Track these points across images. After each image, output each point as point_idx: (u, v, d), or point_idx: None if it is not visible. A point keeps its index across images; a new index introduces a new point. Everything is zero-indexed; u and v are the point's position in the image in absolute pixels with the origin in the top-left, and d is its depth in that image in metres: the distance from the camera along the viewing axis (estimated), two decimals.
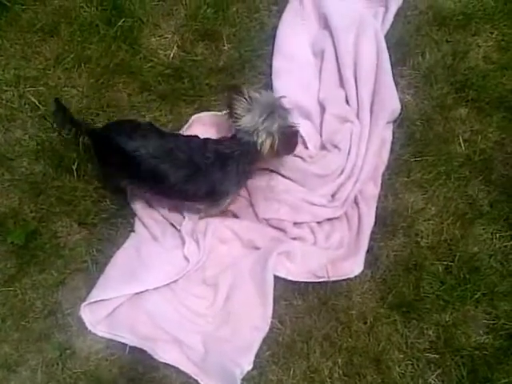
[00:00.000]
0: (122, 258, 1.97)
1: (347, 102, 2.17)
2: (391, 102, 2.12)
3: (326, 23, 2.24)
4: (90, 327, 1.90)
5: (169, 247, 1.99)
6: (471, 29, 2.29)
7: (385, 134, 2.12)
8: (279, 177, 2.09)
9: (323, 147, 2.13)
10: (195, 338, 1.90)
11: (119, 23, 2.25)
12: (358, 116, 2.13)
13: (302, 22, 2.27)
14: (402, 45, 2.25)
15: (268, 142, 1.84)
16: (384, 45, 2.17)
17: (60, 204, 2.06)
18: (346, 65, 2.16)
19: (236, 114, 1.86)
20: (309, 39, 2.27)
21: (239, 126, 1.85)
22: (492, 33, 2.29)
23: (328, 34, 2.22)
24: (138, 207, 2.04)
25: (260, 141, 1.83)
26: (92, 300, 1.88)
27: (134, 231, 2.04)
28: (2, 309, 1.96)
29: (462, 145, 2.15)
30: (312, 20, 2.29)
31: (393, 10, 2.24)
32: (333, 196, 2.07)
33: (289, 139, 1.90)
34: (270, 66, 2.22)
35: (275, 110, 1.85)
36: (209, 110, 2.18)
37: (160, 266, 1.94)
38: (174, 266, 1.95)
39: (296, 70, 2.22)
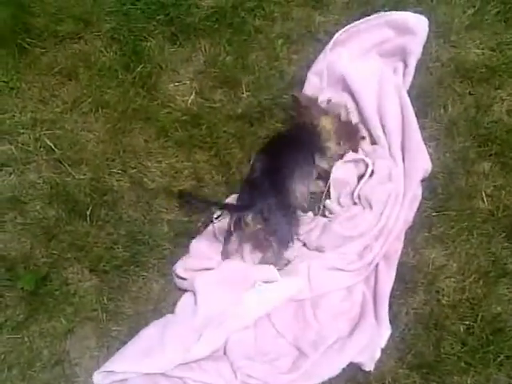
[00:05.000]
0: (147, 334, 2.03)
1: None
2: (423, 162, 2.22)
3: (344, 85, 2.37)
4: None
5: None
6: (495, 82, 2.41)
7: (416, 192, 2.21)
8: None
9: (354, 201, 2.22)
10: None
11: (138, 69, 2.42)
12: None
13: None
14: (424, 96, 2.37)
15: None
16: (408, 102, 2.29)
17: (72, 249, 2.17)
18: (375, 126, 2.29)
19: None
20: None
21: None
22: None
23: (349, 97, 2.36)
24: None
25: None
26: (105, 370, 1.96)
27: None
28: (9, 357, 2.04)
29: (485, 200, 2.23)
30: (331, 85, 2.41)
31: (412, 63, 2.36)
32: (359, 256, 2.14)
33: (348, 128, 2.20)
34: (290, 115, 2.36)
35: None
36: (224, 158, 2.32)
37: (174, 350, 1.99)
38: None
39: None
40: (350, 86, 2.35)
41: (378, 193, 2.18)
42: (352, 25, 2.43)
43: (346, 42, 2.43)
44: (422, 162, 2.23)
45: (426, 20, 2.41)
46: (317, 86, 2.40)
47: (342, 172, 2.25)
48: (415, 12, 2.46)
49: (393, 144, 2.26)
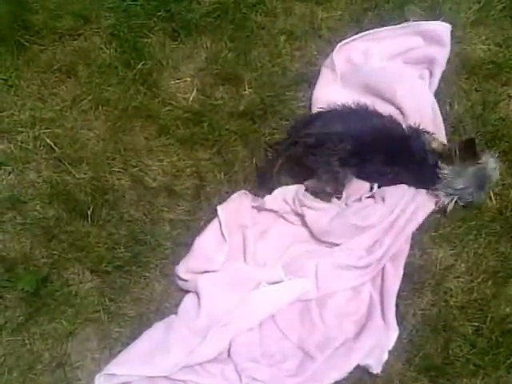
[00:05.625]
0: (150, 335, 2.02)
1: None
2: None
3: (367, 84, 2.34)
4: None
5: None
6: (501, 78, 2.40)
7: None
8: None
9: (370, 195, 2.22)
10: None
11: (138, 66, 2.38)
12: None
13: (340, 86, 2.39)
14: None
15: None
16: (437, 108, 2.30)
17: (72, 250, 2.15)
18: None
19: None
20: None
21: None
22: None
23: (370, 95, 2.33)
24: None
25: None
26: (108, 372, 1.96)
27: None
28: (9, 359, 2.02)
29: (493, 199, 2.22)
30: (352, 87, 2.38)
31: (438, 74, 2.34)
32: (367, 251, 2.13)
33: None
34: (293, 112, 2.35)
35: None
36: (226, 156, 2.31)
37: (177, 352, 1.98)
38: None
39: None
40: (377, 89, 2.33)
41: (393, 190, 2.17)
42: (380, 29, 2.42)
43: (374, 41, 2.42)
44: None
45: (450, 28, 2.41)
46: (329, 78, 2.40)
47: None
48: (421, 8, 2.46)
49: None
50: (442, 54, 2.37)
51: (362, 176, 2.20)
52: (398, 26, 2.43)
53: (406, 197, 2.16)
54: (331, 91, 2.36)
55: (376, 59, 2.38)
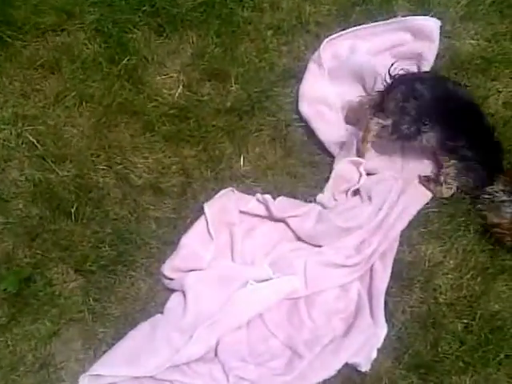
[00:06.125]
0: (135, 335, 2.00)
1: None
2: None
3: (358, 77, 2.35)
4: None
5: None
6: (491, 73, 2.40)
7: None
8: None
9: (355, 193, 2.22)
10: None
11: (123, 61, 2.37)
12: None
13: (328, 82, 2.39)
14: None
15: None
16: None
17: (56, 249, 2.12)
18: None
19: None
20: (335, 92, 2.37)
21: None
22: None
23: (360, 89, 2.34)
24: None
25: None
26: (92, 373, 1.93)
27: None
28: None
29: None
30: (339, 82, 2.39)
31: (425, 69, 2.34)
32: (356, 250, 2.12)
33: None
34: (280, 108, 2.35)
35: None
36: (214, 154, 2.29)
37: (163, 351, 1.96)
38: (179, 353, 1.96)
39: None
40: (365, 79, 2.33)
41: (379, 187, 2.17)
42: (368, 25, 2.42)
43: (361, 38, 2.42)
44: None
45: (440, 24, 2.41)
46: (316, 73, 2.38)
47: (344, 169, 2.24)
48: (409, 2, 2.47)
49: None
50: (430, 50, 2.37)
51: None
52: (386, 21, 2.43)
53: (393, 193, 2.15)
54: (318, 86, 2.36)
55: (363, 54, 2.37)
